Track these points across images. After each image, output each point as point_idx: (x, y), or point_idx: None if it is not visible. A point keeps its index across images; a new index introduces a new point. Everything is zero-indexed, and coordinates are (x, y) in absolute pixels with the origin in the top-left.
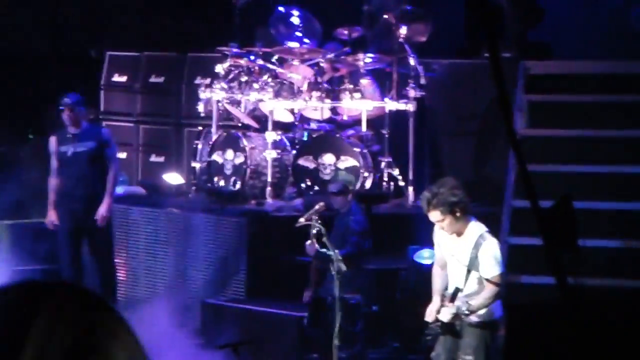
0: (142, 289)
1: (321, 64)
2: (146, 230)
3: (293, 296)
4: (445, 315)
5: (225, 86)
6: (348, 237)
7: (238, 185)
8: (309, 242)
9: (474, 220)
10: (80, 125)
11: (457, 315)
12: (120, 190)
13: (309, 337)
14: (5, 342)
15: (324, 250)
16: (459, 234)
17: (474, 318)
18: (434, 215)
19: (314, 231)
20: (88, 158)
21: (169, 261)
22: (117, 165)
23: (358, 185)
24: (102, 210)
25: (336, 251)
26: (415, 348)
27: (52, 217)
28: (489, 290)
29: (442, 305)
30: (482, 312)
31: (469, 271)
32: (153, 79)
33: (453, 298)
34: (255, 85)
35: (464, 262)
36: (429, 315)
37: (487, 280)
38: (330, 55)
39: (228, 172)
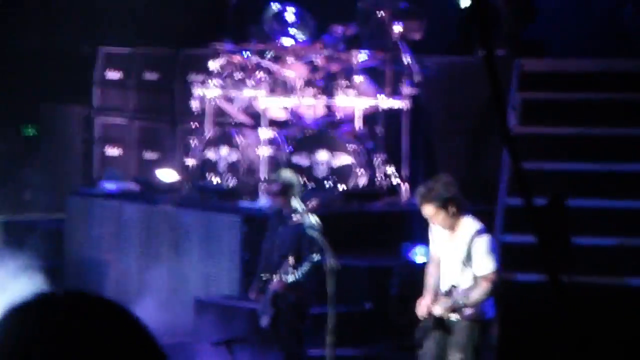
0: (134, 286)
1: (315, 62)
2: (139, 226)
3: None
4: (439, 309)
5: (219, 83)
6: (305, 250)
7: (232, 182)
8: (276, 279)
9: (469, 216)
10: None
11: (451, 308)
12: (113, 186)
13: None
14: (25, 356)
15: (292, 279)
16: (453, 229)
17: (464, 318)
18: (428, 210)
19: (289, 271)
20: None
21: (162, 258)
22: None
23: (352, 183)
24: None
25: (328, 251)
26: (408, 345)
27: None
28: (482, 287)
29: (435, 301)
30: (473, 310)
31: (463, 268)
32: (147, 76)
33: (449, 293)
34: (249, 82)
35: (458, 259)
36: (420, 310)
37: (481, 277)
38: (325, 51)
39: (222, 169)
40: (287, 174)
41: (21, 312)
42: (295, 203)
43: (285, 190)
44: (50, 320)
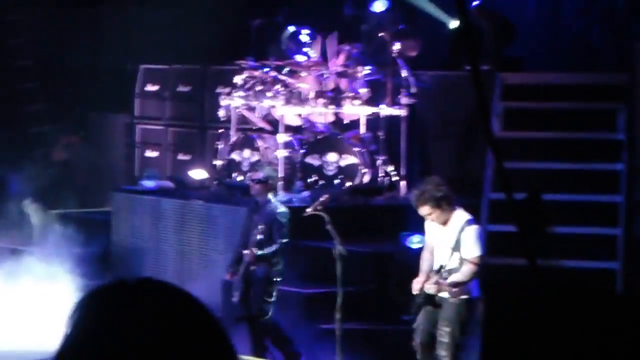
0: (170, 269)
1: (325, 75)
2: (174, 218)
3: (299, 275)
4: (430, 286)
5: (243, 94)
6: (276, 232)
7: None
8: (227, 276)
9: (459, 209)
10: None
11: (440, 284)
12: (152, 184)
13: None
14: (102, 341)
15: (260, 253)
16: (446, 222)
17: (452, 295)
18: (424, 210)
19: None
20: None
21: (194, 245)
22: None
23: (357, 180)
24: None
25: (337, 238)
26: (405, 320)
27: None
28: (468, 268)
29: (426, 280)
30: (459, 289)
31: (453, 252)
32: (180, 88)
33: (438, 271)
34: (269, 94)
35: (449, 245)
36: (415, 287)
37: (467, 260)
38: (337, 67)
39: (245, 168)
40: (269, 170)
41: (98, 297)
42: (271, 195)
43: (265, 181)
44: (126, 306)
